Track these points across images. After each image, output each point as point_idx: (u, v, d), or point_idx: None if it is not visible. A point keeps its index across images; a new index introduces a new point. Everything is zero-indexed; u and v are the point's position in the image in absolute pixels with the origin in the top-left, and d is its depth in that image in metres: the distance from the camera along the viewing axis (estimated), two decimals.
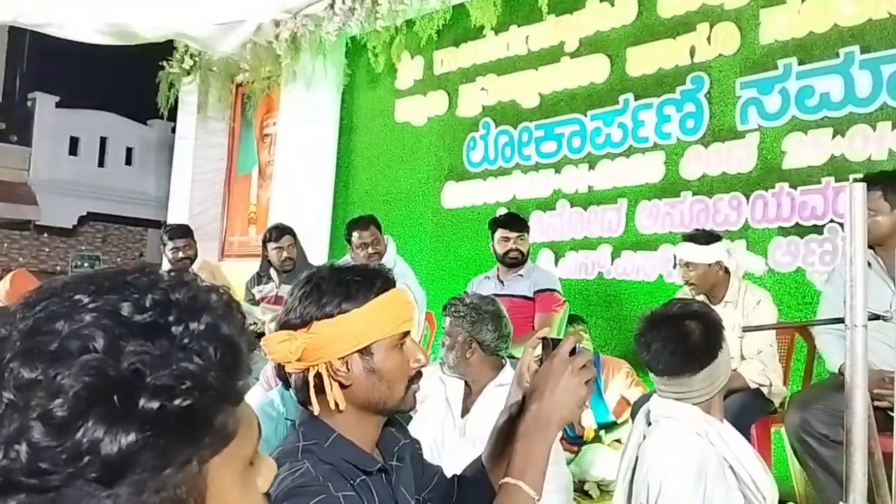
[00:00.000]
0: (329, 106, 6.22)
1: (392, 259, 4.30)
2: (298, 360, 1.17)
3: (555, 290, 3.85)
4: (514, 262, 3.89)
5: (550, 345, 1.22)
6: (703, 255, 3.20)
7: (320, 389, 1.18)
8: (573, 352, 1.19)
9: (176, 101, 7.58)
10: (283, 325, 1.20)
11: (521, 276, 3.89)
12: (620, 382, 4.03)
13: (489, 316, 2.55)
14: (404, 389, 1.24)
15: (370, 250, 4.20)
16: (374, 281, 1.21)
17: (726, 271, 3.22)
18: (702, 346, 1.82)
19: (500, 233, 3.91)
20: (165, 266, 4.57)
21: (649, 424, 1.93)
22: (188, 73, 7.44)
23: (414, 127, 5.72)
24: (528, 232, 3.98)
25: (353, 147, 6.22)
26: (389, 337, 1.21)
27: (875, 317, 1.90)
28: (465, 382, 2.59)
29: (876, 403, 2.71)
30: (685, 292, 3.42)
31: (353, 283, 1.20)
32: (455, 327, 2.55)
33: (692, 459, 1.78)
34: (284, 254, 4.49)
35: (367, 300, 1.19)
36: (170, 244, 4.76)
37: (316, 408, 1.18)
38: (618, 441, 3.91)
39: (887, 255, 2.80)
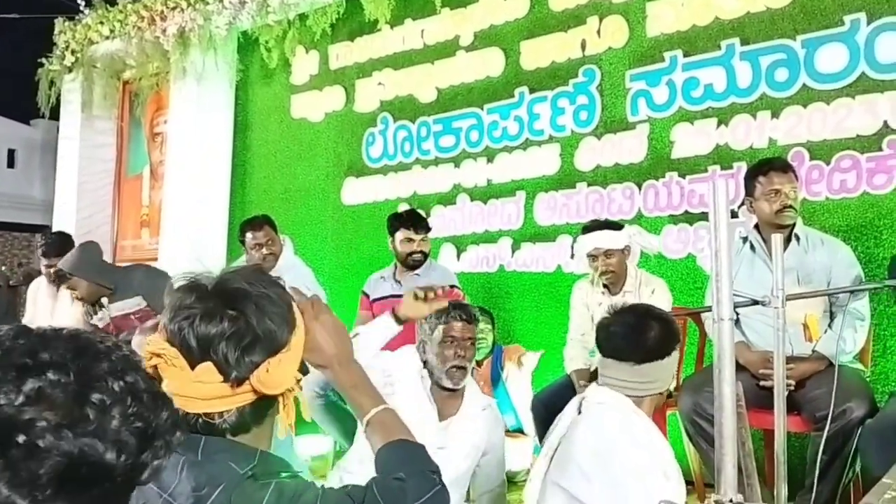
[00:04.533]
0: (222, 103, 6.01)
1: (288, 259, 4.19)
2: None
3: (454, 287, 3.82)
4: (416, 263, 3.84)
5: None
6: (619, 240, 3.24)
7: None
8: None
9: (59, 99, 7.16)
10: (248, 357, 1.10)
11: (417, 275, 3.84)
12: (513, 367, 4.07)
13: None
14: None
15: (265, 251, 4.07)
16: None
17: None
18: (654, 342, 1.91)
19: (402, 233, 3.84)
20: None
21: (580, 413, 1.95)
22: (70, 71, 7.03)
23: (311, 123, 5.59)
24: (429, 231, 3.94)
25: (249, 145, 6.03)
26: None
27: (754, 302, 1.96)
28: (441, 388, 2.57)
29: (762, 383, 2.84)
30: (586, 284, 3.46)
31: (284, 291, 1.19)
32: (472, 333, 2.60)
33: (635, 430, 1.84)
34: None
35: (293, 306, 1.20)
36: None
37: (283, 431, 1.16)
38: (520, 432, 3.94)
39: (770, 239, 2.90)
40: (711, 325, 2.98)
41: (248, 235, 4.10)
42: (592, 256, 3.30)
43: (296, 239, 4.81)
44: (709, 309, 2.76)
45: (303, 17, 5.34)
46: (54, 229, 7.47)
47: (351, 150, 5.31)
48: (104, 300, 3.92)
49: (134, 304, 3.89)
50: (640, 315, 2.00)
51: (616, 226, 3.33)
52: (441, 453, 2.36)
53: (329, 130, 5.48)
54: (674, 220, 3.89)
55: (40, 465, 0.55)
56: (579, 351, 3.40)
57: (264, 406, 1.13)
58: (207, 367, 1.05)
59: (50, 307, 4.57)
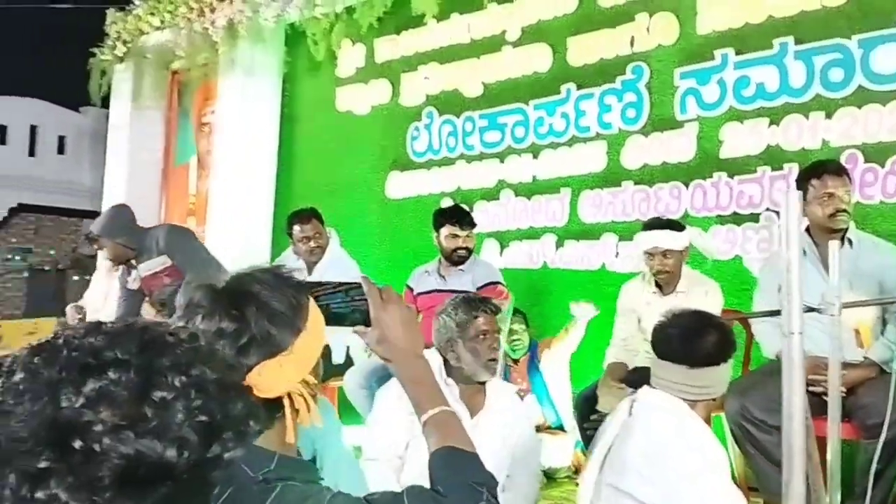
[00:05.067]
0: (269, 94, 6.08)
1: (334, 252, 4.24)
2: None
3: (498, 283, 3.84)
4: (461, 259, 3.87)
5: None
6: (680, 240, 3.22)
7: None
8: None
9: (109, 88, 7.32)
10: (247, 351, 1.08)
11: (462, 270, 3.87)
12: (546, 354, 4.08)
13: None
14: None
15: (312, 244, 4.12)
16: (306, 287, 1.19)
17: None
18: (711, 348, 1.92)
19: (448, 229, 3.86)
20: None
21: (631, 415, 1.97)
22: (121, 61, 7.18)
23: (356, 116, 5.64)
24: (474, 228, 3.96)
25: (295, 137, 6.10)
26: None
27: (810, 309, 1.96)
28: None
29: (811, 388, 2.81)
30: (636, 283, 3.44)
31: (298, 293, 1.16)
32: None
33: (689, 433, 1.84)
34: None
35: (309, 310, 1.16)
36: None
37: (291, 435, 1.12)
38: (560, 429, 3.95)
39: (822, 243, 2.87)
40: (759, 328, 2.99)
41: (296, 228, 4.15)
42: (649, 254, 3.28)
43: (340, 232, 4.87)
44: (768, 314, 2.75)
45: (350, 10, 5.38)
46: None
47: (396, 143, 5.35)
48: (133, 262, 4.01)
49: (159, 262, 3.98)
50: (699, 320, 2.01)
51: (678, 226, 3.29)
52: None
53: (374, 124, 5.52)
54: (721, 220, 3.86)
55: (99, 468, 0.55)
56: (621, 356, 3.39)
57: (273, 409, 1.11)
58: None
59: (105, 288, 4.69)
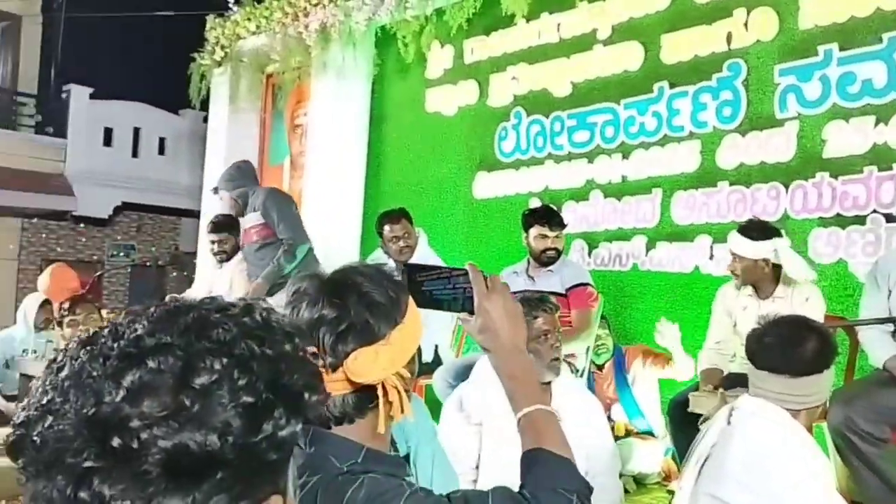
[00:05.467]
0: (359, 96, 6.21)
1: (423, 252, 4.30)
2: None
3: (587, 285, 3.81)
4: (550, 260, 3.84)
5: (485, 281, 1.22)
6: (751, 250, 3.13)
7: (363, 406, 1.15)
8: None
9: (208, 91, 7.63)
10: (342, 340, 1.12)
11: (550, 271, 3.84)
12: (639, 366, 3.99)
13: None
14: None
15: (402, 244, 4.18)
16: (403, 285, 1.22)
17: (774, 267, 3.14)
18: (811, 355, 1.86)
19: (537, 229, 3.84)
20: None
21: (729, 423, 1.93)
22: (219, 65, 7.48)
23: (444, 117, 5.69)
24: (564, 229, 3.94)
25: (384, 137, 6.21)
26: None
27: None
28: None
29: None
30: (732, 288, 3.36)
31: (398, 289, 1.19)
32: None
33: (791, 441, 1.79)
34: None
35: (408, 306, 1.18)
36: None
37: (382, 426, 1.14)
38: (650, 434, 3.88)
39: None
40: (866, 335, 2.86)
41: (387, 228, 4.23)
42: (732, 255, 3.21)
43: (427, 231, 4.93)
44: (879, 321, 2.64)
45: (440, 11, 5.43)
46: (203, 215, 8.01)
47: (483, 144, 5.37)
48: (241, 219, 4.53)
49: (253, 219, 4.33)
50: (797, 326, 1.95)
51: (757, 234, 3.14)
52: None
53: (462, 124, 5.56)
54: (824, 222, 3.71)
55: (141, 463, 0.53)
56: (715, 359, 3.31)
57: (366, 398, 1.14)
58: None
59: (209, 285, 4.92)
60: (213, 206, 7.46)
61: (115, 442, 0.53)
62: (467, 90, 5.52)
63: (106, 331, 0.60)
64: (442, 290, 1.22)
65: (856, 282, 3.49)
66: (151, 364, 0.56)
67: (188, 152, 11.30)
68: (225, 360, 0.57)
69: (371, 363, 1.11)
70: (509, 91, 5.23)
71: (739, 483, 1.78)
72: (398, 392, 1.14)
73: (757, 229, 3.17)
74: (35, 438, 0.54)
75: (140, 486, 0.53)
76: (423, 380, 3.89)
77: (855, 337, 3.12)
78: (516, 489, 1.13)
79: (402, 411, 1.14)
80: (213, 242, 4.77)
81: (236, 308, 0.63)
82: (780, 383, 1.87)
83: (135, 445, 0.53)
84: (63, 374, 0.57)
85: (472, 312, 1.21)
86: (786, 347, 1.88)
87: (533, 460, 1.12)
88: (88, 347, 0.58)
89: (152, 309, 0.61)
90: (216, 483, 0.56)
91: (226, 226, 4.77)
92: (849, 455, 2.74)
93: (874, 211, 3.55)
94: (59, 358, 0.59)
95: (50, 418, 0.55)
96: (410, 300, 1.19)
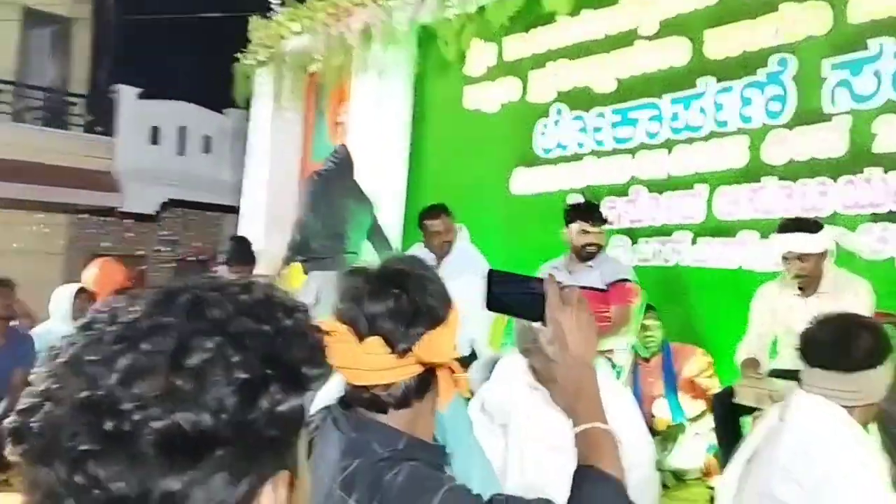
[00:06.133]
0: (400, 95, 6.25)
1: (464, 247, 4.32)
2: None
3: (628, 280, 3.78)
4: (590, 255, 3.83)
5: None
6: (817, 243, 3.07)
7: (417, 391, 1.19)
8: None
9: (251, 91, 7.76)
10: (397, 322, 1.16)
11: (590, 266, 3.82)
12: (693, 367, 3.95)
13: None
14: None
15: (442, 238, 4.22)
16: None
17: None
18: (864, 351, 1.84)
19: (579, 224, 3.82)
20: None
21: (781, 420, 1.91)
22: (263, 65, 7.60)
23: (484, 114, 5.70)
24: (606, 224, 3.92)
25: (425, 135, 6.24)
26: None
27: None
28: None
29: None
30: (774, 286, 3.31)
31: (436, 274, 1.25)
32: None
33: (843, 434, 1.77)
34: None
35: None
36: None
37: (443, 403, 1.19)
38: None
39: None
40: None
41: (427, 223, 4.27)
42: (786, 258, 3.14)
43: (468, 227, 4.94)
44: None
45: (481, 9, 5.44)
46: (242, 211, 8.14)
47: (523, 140, 5.37)
48: None
49: None
50: (848, 322, 1.91)
51: (815, 226, 3.12)
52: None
53: (502, 121, 5.56)
54: (875, 218, 3.63)
55: (135, 446, 0.53)
56: (754, 350, 3.27)
57: (426, 381, 1.18)
58: (375, 341, 1.14)
59: None
60: (256, 203, 7.61)
61: (108, 425, 0.53)
62: (508, 87, 5.52)
63: (103, 315, 0.59)
64: (512, 295, 1.22)
65: None
66: (145, 346, 0.55)
67: (231, 150, 11.48)
68: (219, 339, 0.57)
69: (439, 344, 1.15)
70: (551, 87, 5.22)
71: (785, 471, 1.75)
72: (452, 372, 1.19)
73: (810, 223, 3.11)
74: (33, 425, 0.54)
75: (135, 468, 0.53)
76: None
77: None
78: (543, 492, 1.15)
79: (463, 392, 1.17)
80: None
81: (236, 286, 0.62)
82: (833, 379, 1.84)
83: (127, 427, 0.53)
84: (62, 360, 0.57)
85: (544, 321, 1.20)
86: (837, 344, 1.86)
87: (584, 478, 1.12)
88: (86, 332, 0.58)
89: (148, 292, 0.60)
90: (215, 461, 0.55)
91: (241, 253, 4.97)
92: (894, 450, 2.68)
93: None
94: (60, 345, 0.58)
95: (48, 405, 0.54)
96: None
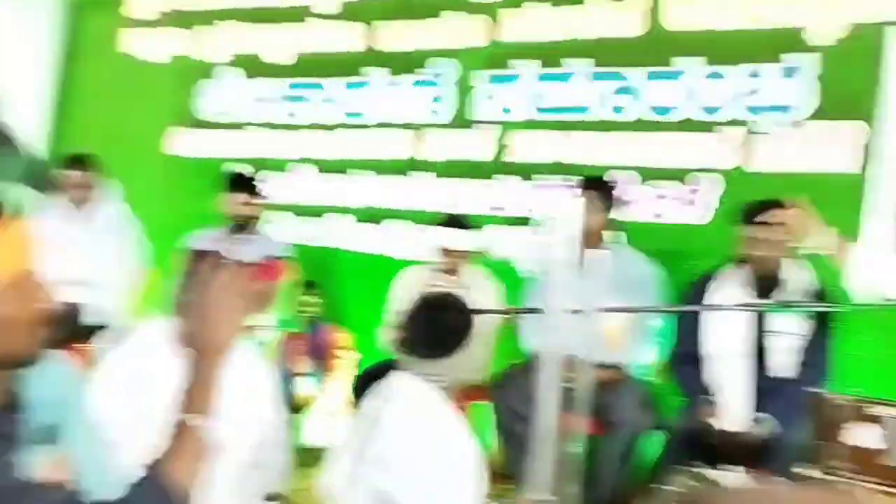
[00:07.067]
0: (45, 26, 5.48)
1: (115, 206, 4.04)
2: None
3: (280, 258, 3.77)
4: (244, 228, 3.74)
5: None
6: (468, 240, 3.37)
7: None
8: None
9: None
10: None
11: (245, 239, 3.73)
12: (338, 345, 4.12)
13: None
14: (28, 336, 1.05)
15: (83, 193, 3.86)
16: None
17: None
18: (454, 335, 1.99)
19: (236, 195, 3.73)
20: None
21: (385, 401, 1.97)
22: None
23: (148, 64, 5.26)
24: (262, 196, 3.84)
25: (76, 77, 5.56)
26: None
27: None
28: None
29: (564, 385, 3.04)
30: (424, 271, 3.52)
31: None
32: None
33: (436, 421, 1.90)
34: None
35: None
36: None
37: None
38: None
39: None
40: (523, 324, 3.18)
41: (67, 173, 3.87)
42: (440, 250, 3.41)
43: (123, 185, 4.48)
44: (528, 311, 2.92)
45: None
46: None
47: (185, 99, 5.06)
48: None
49: None
50: (436, 309, 2.07)
51: (467, 224, 3.40)
52: None
53: (166, 75, 5.18)
54: (508, 221, 4.00)
55: None
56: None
57: None
58: None
59: None
60: None
61: None
62: (174, 38, 5.17)
63: None
64: None
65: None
66: None
67: None
68: None
69: None
70: (221, 48, 4.99)
71: (388, 464, 1.85)
72: None
73: (464, 222, 3.42)
74: None
75: None
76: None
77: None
78: None
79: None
80: None
81: None
82: (427, 364, 2.01)
83: None
84: None
85: None
86: (431, 333, 2.03)
87: (139, 484, 1.06)
88: None
89: None
90: None
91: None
92: (501, 432, 3.04)
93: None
94: None
95: None
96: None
